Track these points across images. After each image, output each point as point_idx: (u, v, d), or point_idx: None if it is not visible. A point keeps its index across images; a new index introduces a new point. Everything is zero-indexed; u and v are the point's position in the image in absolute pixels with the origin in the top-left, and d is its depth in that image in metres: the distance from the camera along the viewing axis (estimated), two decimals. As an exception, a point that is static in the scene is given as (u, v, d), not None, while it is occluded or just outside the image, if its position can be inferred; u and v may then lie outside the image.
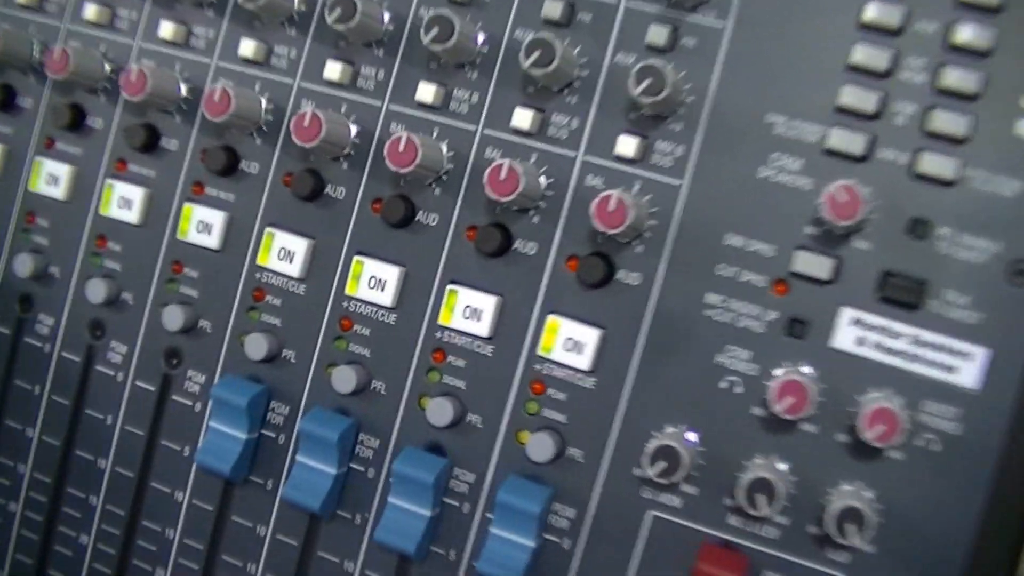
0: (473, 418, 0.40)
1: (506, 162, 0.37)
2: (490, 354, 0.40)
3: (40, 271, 0.46)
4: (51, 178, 0.46)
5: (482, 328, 0.40)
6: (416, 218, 0.41)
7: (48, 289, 0.46)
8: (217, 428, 0.42)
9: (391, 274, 0.41)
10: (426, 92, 0.40)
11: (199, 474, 0.44)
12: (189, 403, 0.44)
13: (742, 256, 0.37)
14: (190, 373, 0.44)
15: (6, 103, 0.47)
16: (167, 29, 0.44)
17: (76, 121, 0.46)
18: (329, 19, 0.39)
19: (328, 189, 0.42)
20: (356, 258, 0.41)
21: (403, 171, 0.38)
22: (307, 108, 0.40)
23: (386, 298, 0.41)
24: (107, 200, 0.45)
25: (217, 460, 0.42)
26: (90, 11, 0.45)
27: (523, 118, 0.39)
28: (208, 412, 0.44)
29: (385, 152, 0.38)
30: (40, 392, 0.46)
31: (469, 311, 0.40)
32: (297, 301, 0.42)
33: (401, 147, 0.38)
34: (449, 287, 0.40)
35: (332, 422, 0.41)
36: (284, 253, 0.42)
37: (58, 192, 0.46)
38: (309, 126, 0.39)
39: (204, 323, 0.44)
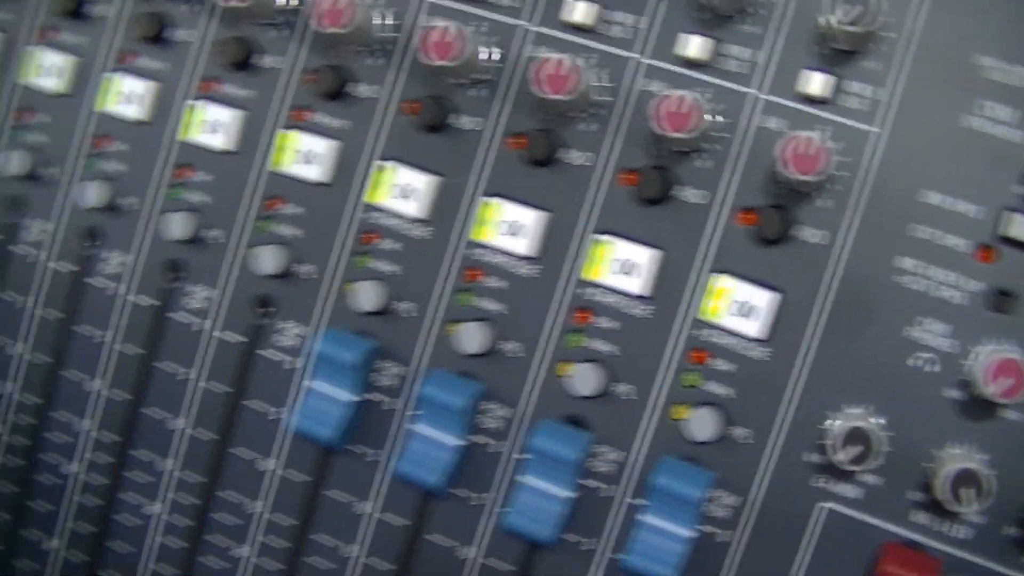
0: (622, 388, 0.39)
1: (685, 93, 0.36)
2: (645, 316, 0.39)
3: (112, 200, 0.44)
4: (129, 96, 0.44)
5: (636, 285, 0.38)
6: (561, 156, 0.39)
7: (118, 220, 0.45)
8: (318, 389, 0.41)
9: (530, 219, 0.39)
10: (578, 12, 0.39)
11: (291, 441, 0.43)
12: (281, 358, 0.43)
13: (942, 216, 0.36)
14: (283, 325, 0.43)
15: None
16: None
17: (160, 33, 0.44)
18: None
19: (457, 119, 0.40)
20: (488, 200, 0.40)
21: (556, 98, 0.37)
22: (443, 24, 0.38)
23: (523, 246, 0.39)
24: (188, 123, 0.43)
25: (317, 425, 0.41)
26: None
27: (694, 46, 0.38)
28: (302, 370, 0.42)
29: (535, 76, 0.37)
30: (111, 341, 0.45)
31: (621, 265, 0.39)
32: (415, 246, 0.41)
33: (557, 71, 0.37)
34: (598, 237, 0.39)
35: (458, 387, 0.39)
36: (403, 190, 0.41)
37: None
38: (447, 42, 0.38)
39: (303, 268, 0.42)
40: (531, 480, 0.39)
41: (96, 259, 0.45)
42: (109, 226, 0.45)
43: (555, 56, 0.37)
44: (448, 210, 0.41)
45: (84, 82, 0.45)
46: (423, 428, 0.40)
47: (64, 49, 0.45)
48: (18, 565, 0.47)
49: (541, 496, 0.39)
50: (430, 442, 0.40)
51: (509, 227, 0.40)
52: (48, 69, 0.46)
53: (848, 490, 0.37)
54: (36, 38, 0.47)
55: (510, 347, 0.40)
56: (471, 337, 0.40)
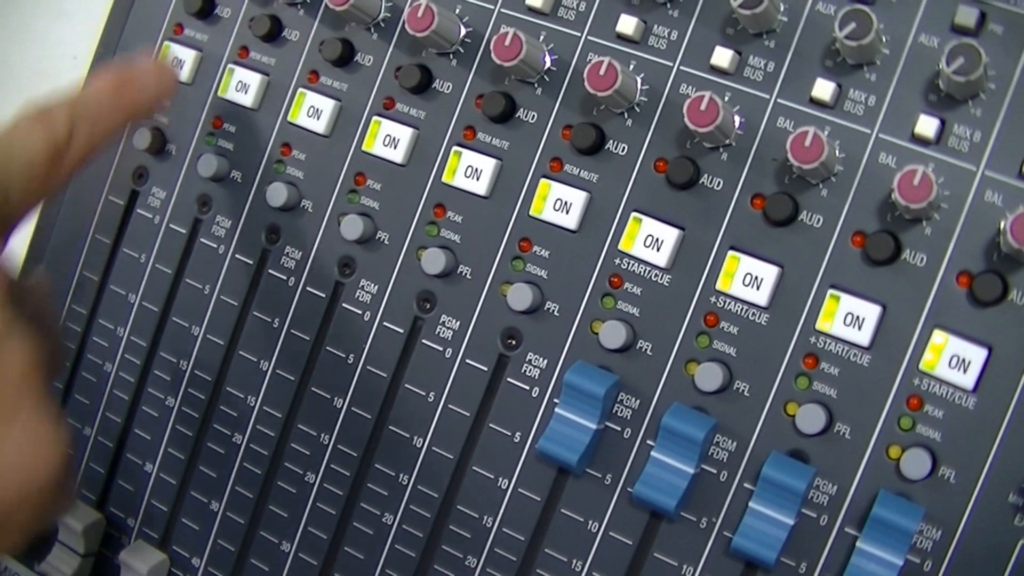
0: (841, 428, 0.52)
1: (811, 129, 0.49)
2: (868, 364, 0.52)
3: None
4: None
5: (864, 338, 0.51)
6: (799, 217, 0.52)
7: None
8: (565, 416, 0.54)
9: (768, 273, 0.53)
10: (819, 88, 0.52)
11: (529, 462, 0.56)
12: (526, 388, 0.56)
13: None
14: (530, 356, 0.56)
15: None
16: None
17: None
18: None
19: (704, 179, 0.54)
20: (731, 252, 0.53)
21: (802, 166, 0.50)
22: (703, 94, 0.51)
23: (761, 297, 0.53)
24: (451, 168, 0.58)
25: (562, 449, 0.54)
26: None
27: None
28: (545, 398, 0.56)
29: (789, 145, 0.50)
30: (360, 363, 0.60)
31: (849, 318, 0.52)
32: (659, 291, 0.54)
33: (805, 141, 0.50)
34: (831, 291, 0.52)
35: (695, 420, 0.53)
36: (651, 241, 0.54)
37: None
38: (706, 110, 0.51)
39: (551, 305, 0.56)
40: (759, 506, 0.52)
41: (353, 287, 0.60)
42: (364, 258, 0.59)
43: (806, 129, 0.50)
44: (691, 261, 0.54)
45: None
46: (661, 455, 0.53)
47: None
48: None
49: (768, 522, 0.51)
50: (667, 468, 0.53)
51: (752, 278, 0.53)
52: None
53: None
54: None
55: (742, 386, 0.53)
56: (710, 376, 0.53)
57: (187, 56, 0.63)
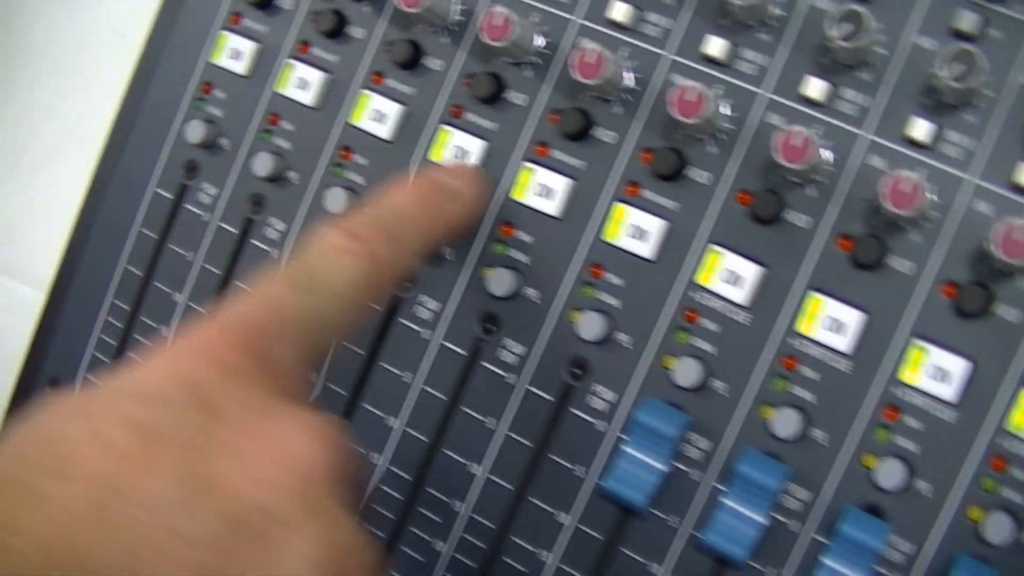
0: (922, 485, 0.52)
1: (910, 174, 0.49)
2: (952, 420, 0.51)
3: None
4: (377, 114, 0.60)
5: (950, 393, 0.51)
6: (888, 262, 0.52)
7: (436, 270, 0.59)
8: (633, 455, 0.54)
9: (851, 317, 0.52)
10: (917, 128, 0.52)
11: (592, 499, 0.56)
12: (591, 420, 0.56)
13: None
14: (597, 388, 0.56)
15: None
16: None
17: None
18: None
19: (789, 214, 0.53)
20: (812, 294, 0.53)
21: (897, 211, 0.50)
22: (797, 129, 0.51)
23: (842, 343, 0.53)
24: (522, 184, 0.57)
25: (629, 489, 0.54)
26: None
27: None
28: (611, 433, 0.56)
29: (883, 190, 0.50)
30: (417, 383, 0.60)
31: (934, 371, 0.52)
32: (736, 329, 0.54)
33: (901, 186, 0.50)
34: (914, 341, 0.52)
35: (770, 468, 0.53)
36: (731, 276, 0.54)
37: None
38: (801, 146, 0.51)
39: (621, 336, 0.56)
40: (832, 562, 0.52)
41: (412, 302, 0.60)
42: (424, 275, 0.59)
43: (903, 173, 0.50)
44: (771, 300, 0.54)
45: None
46: (732, 502, 0.53)
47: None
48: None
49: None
50: (738, 516, 0.53)
51: (834, 323, 0.53)
52: (377, 113, 0.61)
53: None
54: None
55: (819, 435, 0.53)
56: (786, 423, 0.53)
57: (245, 47, 0.62)
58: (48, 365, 0.67)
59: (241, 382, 0.38)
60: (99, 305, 0.66)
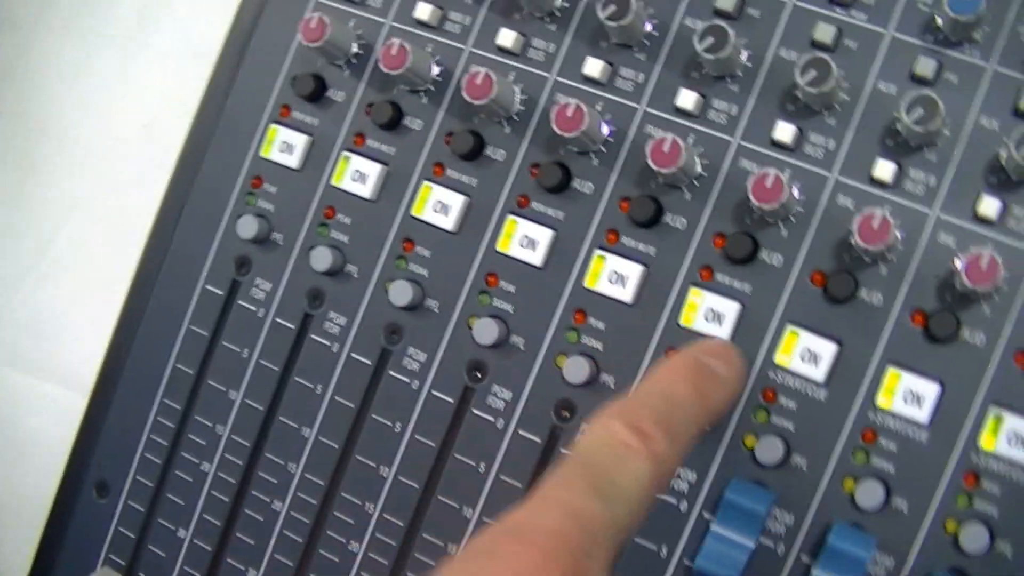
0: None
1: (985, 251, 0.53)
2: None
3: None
4: (440, 206, 0.62)
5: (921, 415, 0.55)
6: (960, 334, 0.56)
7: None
8: (723, 534, 0.57)
9: (929, 391, 0.56)
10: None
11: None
12: (673, 501, 0.59)
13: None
14: (682, 473, 0.59)
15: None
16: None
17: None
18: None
19: (862, 292, 0.57)
20: (891, 368, 0.56)
21: (974, 288, 0.53)
22: (876, 212, 0.54)
23: (921, 415, 0.56)
24: (594, 273, 0.60)
25: (718, 567, 0.56)
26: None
27: (783, 131, 0.57)
28: (694, 512, 0.58)
29: (965, 269, 0.53)
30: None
31: (911, 395, 0.55)
32: (814, 407, 0.57)
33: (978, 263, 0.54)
34: (991, 409, 0.55)
35: (861, 541, 0.56)
36: (808, 355, 0.57)
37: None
38: (879, 229, 0.54)
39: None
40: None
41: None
42: (497, 364, 0.62)
43: (980, 251, 0.53)
44: (849, 376, 0.57)
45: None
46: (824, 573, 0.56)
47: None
48: None
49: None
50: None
51: (908, 395, 0.56)
52: (439, 204, 0.63)
53: None
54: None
55: (900, 503, 0.56)
56: (871, 495, 0.56)
57: (297, 141, 0.64)
58: (94, 468, 0.68)
59: None
60: (149, 404, 0.67)
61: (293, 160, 0.65)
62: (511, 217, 0.61)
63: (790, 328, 0.57)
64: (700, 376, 0.50)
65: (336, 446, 0.63)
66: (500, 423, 0.60)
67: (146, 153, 0.68)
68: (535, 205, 0.61)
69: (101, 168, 0.74)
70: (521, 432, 0.60)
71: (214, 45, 0.67)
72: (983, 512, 0.54)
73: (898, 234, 0.55)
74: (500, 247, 0.61)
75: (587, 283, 0.60)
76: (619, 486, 0.42)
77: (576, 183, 0.61)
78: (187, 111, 0.67)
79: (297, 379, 0.64)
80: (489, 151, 0.62)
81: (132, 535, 0.68)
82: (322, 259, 0.62)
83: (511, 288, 0.61)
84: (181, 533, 0.67)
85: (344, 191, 0.64)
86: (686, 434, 0.47)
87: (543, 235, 0.61)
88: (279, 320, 0.64)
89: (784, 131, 0.58)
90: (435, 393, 0.62)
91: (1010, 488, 0.54)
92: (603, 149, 0.60)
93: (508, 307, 0.61)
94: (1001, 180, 0.55)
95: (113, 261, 0.67)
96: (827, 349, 0.56)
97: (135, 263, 0.67)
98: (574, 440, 0.45)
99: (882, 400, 0.56)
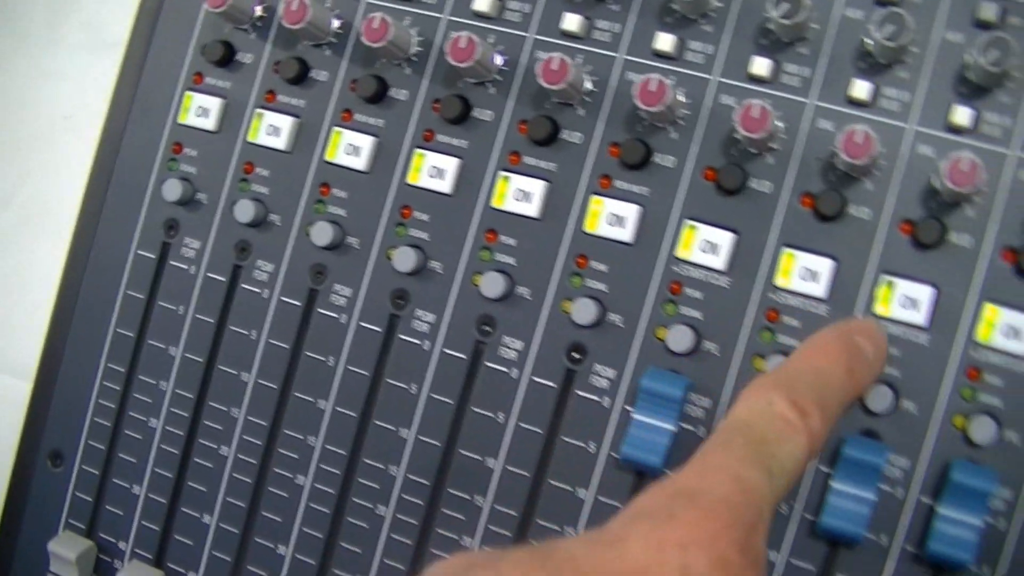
0: (907, 404, 0.59)
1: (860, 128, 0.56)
2: (926, 343, 0.59)
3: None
4: (351, 148, 0.65)
5: (920, 318, 0.59)
6: (848, 211, 0.59)
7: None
8: (643, 421, 0.60)
9: (823, 266, 0.60)
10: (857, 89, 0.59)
11: (608, 469, 0.62)
12: (596, 398, 0.62)
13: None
14: (597, 367, 0.62)
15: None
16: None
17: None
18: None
19: (752, 183, 0.61)
20: (785, 250, 0.60)
21: (853, 162, 0.57)
22: (755, 102, 0.58)
23: (818, 290, 0.60)
24: (500, 193, 0.64)
25: (644, 453, 0.60)
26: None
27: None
28: (617, 406, 0.61)
29: (841, 144, 0.57)
30: (423, 391, 0.65)
31: (905, 300, 0.59)
32: (719, 294, 0.61)
33: (854, 138, 0.58)
34: (884, 277, 0.58)
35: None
36: (708, 246, 0.61)
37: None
38: (760, 118, 0.58)
39: (614, 317, 0.62)
40: (841, 485, 0.58)
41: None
42: (417, 290, 0.65)
43: (857, 128, 0.57)
44: (747, 262, 0.61)
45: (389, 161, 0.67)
46: (841, 485, 0.58)
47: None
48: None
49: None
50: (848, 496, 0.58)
51: (805, 273, 0.60)
52: (351, 147, 0.67)
53: None
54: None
55: (807, 376, 0.60)
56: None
57: (212, 105, 0.67)
58: (47, 439, 0.70)
59: None
60: (94, 371, 0.70)
61: (210, 123, 0.68)
62: (418, 151, 0.65)
63: (688, 224, 0.60)
64: (851, 356, 0.51)
65: (275, 387, 0.66)
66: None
67: (69, 143, 0.71)
68: (439, 138, 0.65)
69: (24, 161, 0.77)
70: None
71: (123, 35, 0.70)
72: (887, 375, 0.57)
73: (779, 124, 0.60)
74: (410, 179, 0.64)
75: (494, 203, 0.63)
76: (780, 460, 0.42)
77: (476, 112, 0.64)
78: (106, 99, 0.70)
79: (232, 328, 0.67)
80: (392, 92, 0.64)
81: (89, 498, 0.70)
82: (245, 212, 0.65)
83: (424, 217, 0.64)
84: (136, 490, 0.69)
85: (260, 146, 0.67)
86: (836, 413, 0.47)
87: (449, 164, 0.64)
88: (210, 275, 0.67)
89: (665, 41, 0.62)
90: (364, 324, 0.66)
91: (907, 348, 0.58)
92: (498, 77, 0.64)
93: (423, 235, 0.65)
94: (868, 64, 0.59)
95: (46, 250, 0.70)
96: (725, 239, 0.59)
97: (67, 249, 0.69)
98: (730, 407, 0.48)
99: (781, 280, 0.59)
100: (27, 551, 0.71)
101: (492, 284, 0.63)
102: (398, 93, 0.65)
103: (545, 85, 0.60)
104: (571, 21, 0.63)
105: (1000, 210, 0.57)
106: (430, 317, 0.65)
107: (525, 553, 0.39)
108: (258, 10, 0.67)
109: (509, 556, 0.38)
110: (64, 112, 0.76)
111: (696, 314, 0.61)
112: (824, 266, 0.59)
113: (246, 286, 0.67)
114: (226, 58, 0.68)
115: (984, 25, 0.58)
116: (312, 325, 0.66)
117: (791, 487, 0.44)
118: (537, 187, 0.63)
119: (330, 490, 0.65)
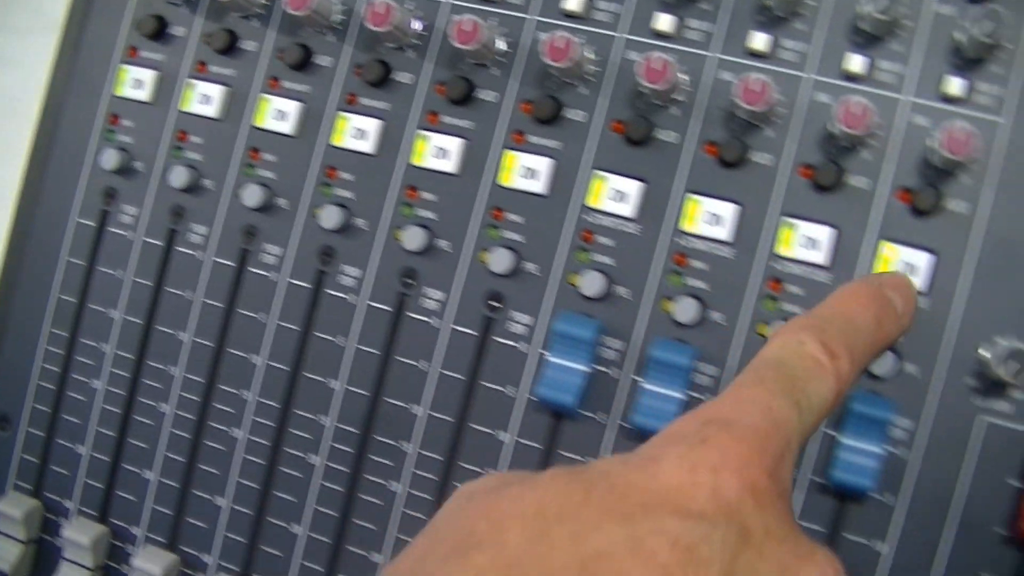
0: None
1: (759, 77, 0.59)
2: (828, 280, 0.61)
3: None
4: (279, 114, 0.69)
5: (820, 257, 0.61)
6: (749, 157, 0.62)
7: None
8: (557, 363, 0.63)
9: (727, 211, 0.63)
10: (757, 41, 0.63)
11: (527, 412, 0.64)
12: (514, 344, 0.65)
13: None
14: (514, 315, 0.65)
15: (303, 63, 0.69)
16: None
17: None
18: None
19: (658, 133, 0.64)
20: (689, 196, 0.63)
21: (750, 109, 0.60)
22: (656, 56, 0.61)
23: (722, 233, 0.63)
24: (419, 151, 0.66)
25: (559, 393, 0.63)
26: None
27: (855, 63, 0.61)
28: (533, 351, 0.64)
29: (737, 91, 0.60)
30: (351, 343, 0.68)
31: (807, 241, 0.62)
32: (629, 240, 0.64)
33: (751, 86, 0.61)
34: (785, 219, 0.61)
35: (680, 349, 0.62)
36: (617, 195, 0.64)
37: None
38: (661, 70, 0.61)
39: (529, 266, 0.65)
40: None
41: (336, 273, 0.68)
42: (344, 246, 0.68)
43: (753, 76, 0.60)
44: (655, 209, 0.64)
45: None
46: (652, 386, 0.62)
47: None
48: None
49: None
50: (659, 396, 0.62)
51: (710, 218, 0.63)
52: (278, 112, 0.70)
53: (1003, 405, 0.59)
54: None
55: (716, 316, 0.63)
56: (687, 311, 0.63)
57: (146, 77, 0.70)
58: (-7, 404, 0.73)
59: (770, 511, 0.38)
60: (37, 337, 0.72)
61: (144, 94, 0.70)
62: (340, 114, 0.68)
63: (598, 174, 0.63)
64: (881, 306, 0.51)
65: (211, 344, 0.69)
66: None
67: (13, 127, 0.73)
68: (362, 101, 0.68)
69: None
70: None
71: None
72: (782, 310, 0.60)
73: (681, 76, 0.63)
74: (334, 141, 0.67)
75: (413, 160, 0.66)
76: (808, 397, 0.43)
77: (395, 75, 0.67)
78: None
79: (169, 289, 0.69)
80: (317, 59, 0.68)
81: (36, 460, 0.73)
82: (179, 177, 0.68)
83: (350, 177, 0.67)
84: (80, 449, 0.72)
85: (193, 114, 0.70)
86: (863, 360, 0.48)
87: (372, 125, 0.67)
88: (147, 239, 0.70)
89: (574, 3, 0.65)
90: (294, 281, 0.69)
91: (809, 287, 0.61)
92: (416, 42, 0.67)
93: (349, 194, 0.68)
94: (769, 17, 0.62)
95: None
96: (633, 187, 0.62)
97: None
98: (763, 346, 0.50)
99: (687, 225, 0.62)
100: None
101: (413, 237, 0.65)
102: (321, 59, 0.68)
103: (461, 47, 0.63)
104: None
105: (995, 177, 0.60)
106: (355, 271, 0.67)
107: (560, 471, 0.41)
108: (188, -17, 0.69)
109: (543, 473, 0.40)
110: (14, 96, 0.79)
111: (608, 260, 0.63)
112: (728, 210, 0.63)
113: (182, 248, 0.69)
114: (159, 31, 0.70)
115: None
116: (244, 284, 0.69)
117: (817, 426, 0.44)
118: (454, 144, 0.65)
119: (343, 466, 0.68)
